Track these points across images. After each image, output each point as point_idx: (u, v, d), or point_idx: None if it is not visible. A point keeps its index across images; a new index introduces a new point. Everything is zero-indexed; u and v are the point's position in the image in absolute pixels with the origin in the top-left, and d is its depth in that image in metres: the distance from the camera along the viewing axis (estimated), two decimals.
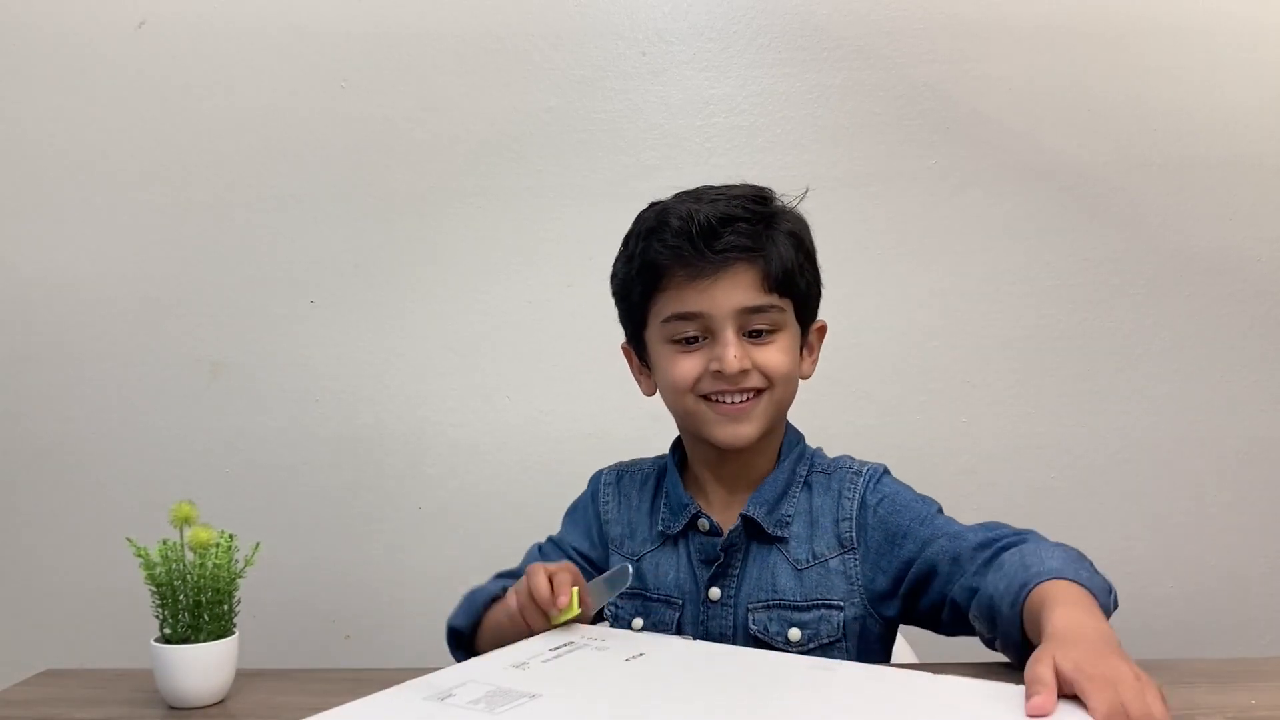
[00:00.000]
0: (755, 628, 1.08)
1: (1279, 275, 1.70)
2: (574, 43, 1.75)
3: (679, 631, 1.12)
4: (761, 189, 1.11)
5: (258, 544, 1.03)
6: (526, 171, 1.75)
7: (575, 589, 1.00)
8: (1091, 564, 0.99)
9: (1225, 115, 1.69)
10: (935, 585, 1.05)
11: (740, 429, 1.08)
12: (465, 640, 1.13)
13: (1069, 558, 0.97)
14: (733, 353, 1.04)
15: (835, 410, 1.71)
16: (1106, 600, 0.95)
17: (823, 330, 1.17)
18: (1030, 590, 0.92)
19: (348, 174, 1.78)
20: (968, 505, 1.69)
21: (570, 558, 1.19)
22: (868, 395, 1.73)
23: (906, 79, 1.72)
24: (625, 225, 1.13)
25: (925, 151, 1.72)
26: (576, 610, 0.99)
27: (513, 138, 1.76)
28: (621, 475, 1.22)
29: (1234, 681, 0.96)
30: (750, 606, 1.09)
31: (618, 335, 1.18)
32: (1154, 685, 0.76)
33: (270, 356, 1.79)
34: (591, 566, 1.19)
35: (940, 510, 1.12)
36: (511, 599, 1.02)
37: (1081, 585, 0.92)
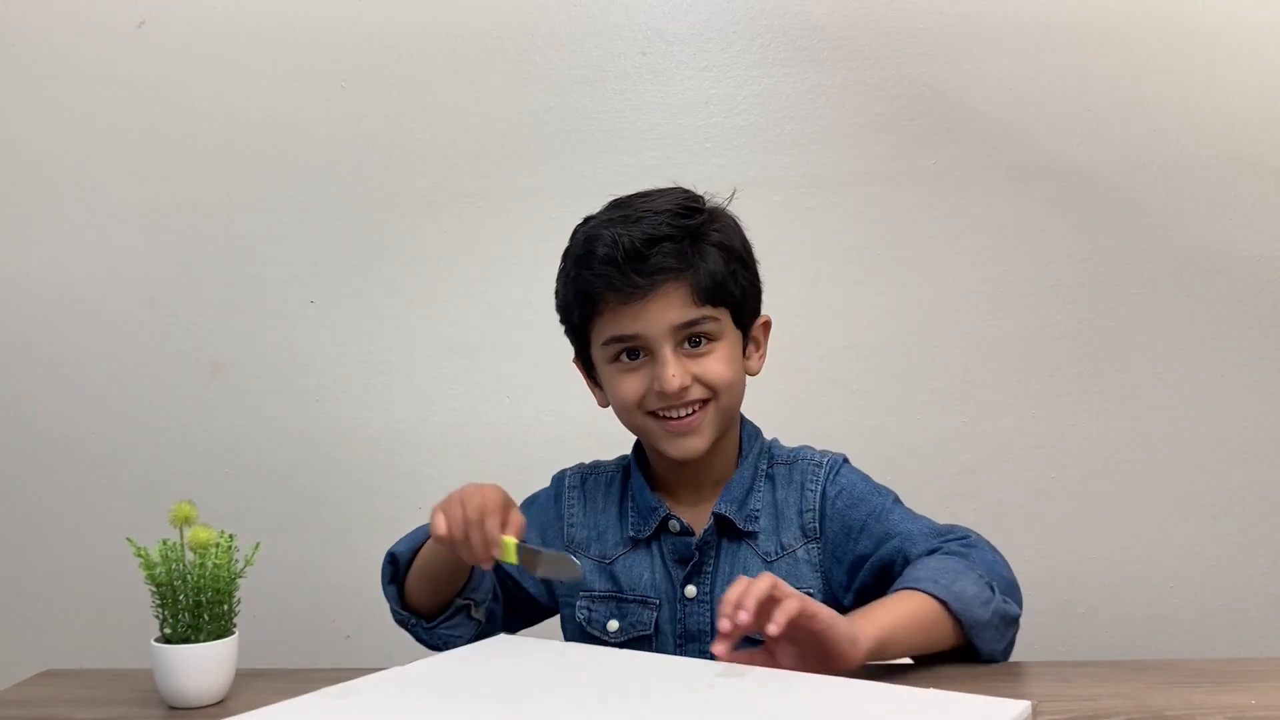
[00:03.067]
0: None
1: (1279, 275, 1.69)
2: (574, 43, 1.75)
3: (656, 631, 1.14)
4: (687, 198, 1.13)
5: (258, 544, 1.03)
6: (526, 171, 1.75)
7: (512, 541, 1.00)
8: (991, 579, 1.02)
9: (1226, 115, 1.69)
10: (889, 579, 1.08)
11: (690, 442, 1.10)
12: (399, 573, 1.14)
13: (946, 570, 1.01)
14: (670, 371, 1.07)
15: (835, 410, 1.72)
16: (970, 609, 0.98)
17: (767, 325, 1.19)
18: (895, 593, 1.00)
19: (348, 174, 1.78)
20: (968, 505, 1.70)
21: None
22: (868, 395, 1.73)
23: (906, 79, 1.72)
24: None
25: (925, 151, 1.72)
26: (514, 559, 1.00)
27: (513, 138, 1.76)
28: (585, 478, 1.23)
29: (1234, 681, 0.96)
30: None
31: None
32: (774, 586, 0.88)
33: (270, 356, 1.79)
34: None
35: (896, 500, 1.15)
36: (439, 522, 1.01)
37: (930, 595, 0.97)
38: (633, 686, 0.88)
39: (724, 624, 0.88)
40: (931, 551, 1.07)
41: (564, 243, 1.73)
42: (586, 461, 1.26)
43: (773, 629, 0.87)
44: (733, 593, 0.89)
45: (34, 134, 1.81)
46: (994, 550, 1.09)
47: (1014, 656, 1.05)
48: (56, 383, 1.82)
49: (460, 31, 1.76)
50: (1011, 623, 1.03)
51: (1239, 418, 1.70)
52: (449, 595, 1.12)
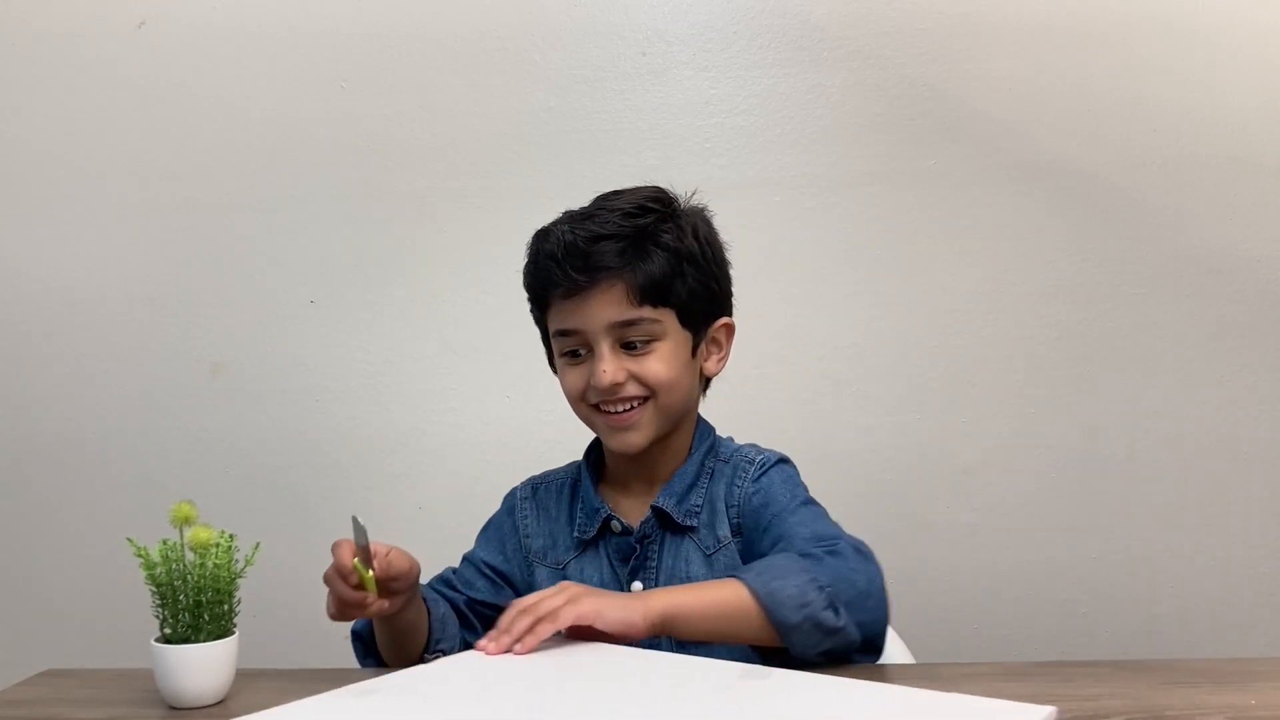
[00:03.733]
0: None
1: (1279, 275, 1.69)
2: (574, 43, 1.75)
3: None
4: (651, 198, 1.14)
5: (258, 544, 1.03)
6: (526, 171, 1.75)
7: (354, 559, 1.02)
8: (827, 586, 1.00)
9: (1225, 115, 1.69)
10: None
11: (628, 437, 1.12)
12: (370, 647, 1.16)
13: (783, 569, 1.00)
14: (603, 367, 1.10)
15: (835, 410, 1.71)
16: (779, 609, 0.97)
17: (729, 327, 1.19)
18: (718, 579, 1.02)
19: (348, 174, 1.78)
20: (968, 505, 1.70)
21: (480, 570, 1.23)
22: (868, 395, 1.73)
23: (906, 79, 1.72)
24: None
25: (925, 151, 1.72)
26: (368, 573, 1.02)
27: (513, 138, 1.76)
28: (537, 488, 1.26)
29: (1234, 681, 0.96)
30: None
31: None
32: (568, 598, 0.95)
33: (270, 356, 1.79)
34: (503, 580, 1.22)
35: (808, 504, 1.13)
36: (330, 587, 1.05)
37: (745, 585, 0.98)
38: (659, 687, 0.87)
39: (490, 647, 0.95)
40: (804, 555, 1.05)
41: None
42: (536, 473, 1.28)
43: (520, 649, 0.94)
44: (504, 621, 0.96)
45: (34, 134, 1.81)
46: (864, 562, 1.04)
47: (1015, 656, 1.05)
48: (56, 383, 1.82)
49: (460, 31, 1.76)
50: (830, 633, 0.99)
51: (1239, 418, 1.70)
52: (419, 650, 1.13)
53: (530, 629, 0.94)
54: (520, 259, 1.80)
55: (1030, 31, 1.70)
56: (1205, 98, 1.69)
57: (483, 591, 1.21)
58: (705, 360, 1.17)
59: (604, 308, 1.09)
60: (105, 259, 1.81)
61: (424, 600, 1.12)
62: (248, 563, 1.02)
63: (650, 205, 1.13)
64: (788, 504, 1.12)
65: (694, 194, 1.17)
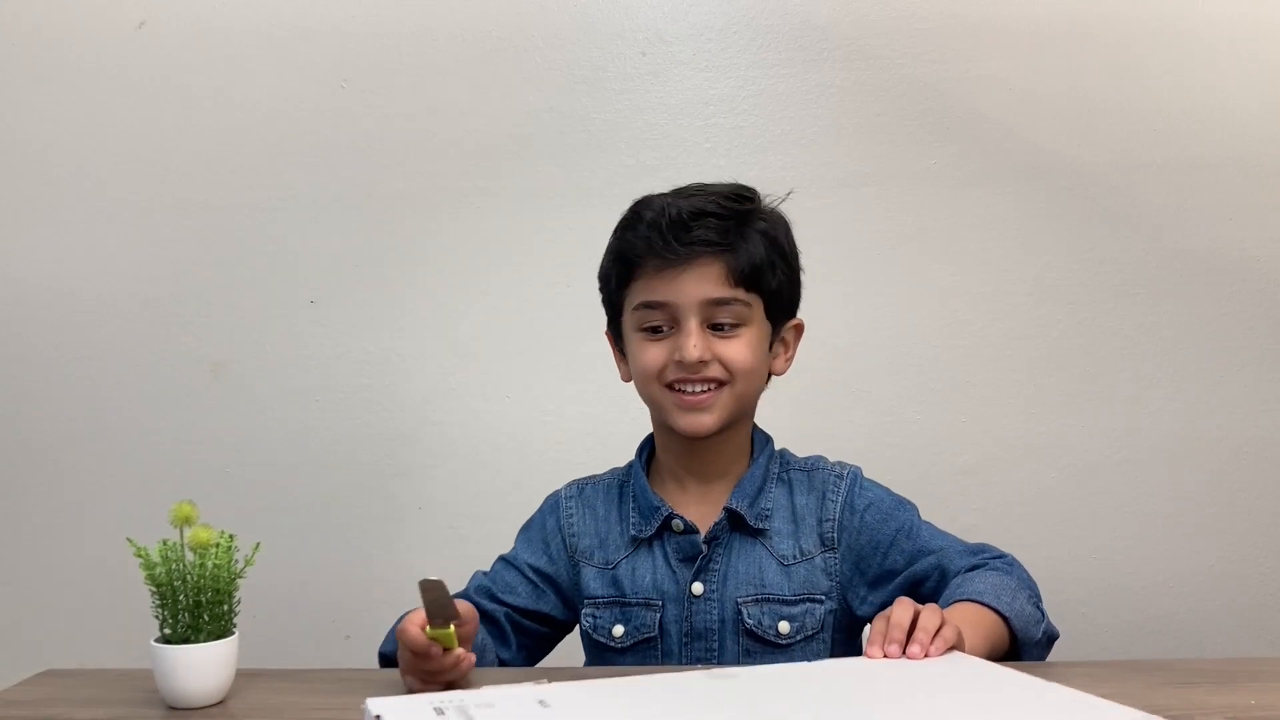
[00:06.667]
0: (750, 621, 1.11)
1: (1279, 275, 1.69)
2: (574, 43, 1.75)
3: (661, 632, 1.13)
4: (745, 189, 1.15)
5: (258, 544, 1.03)
6: (526, 171, 1.75)
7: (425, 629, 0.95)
8: (1036, 600, 1.06)
9: (1225, 116, 1.69)
10: (920, 594, 1.09)
11: (700, 419, 1.11)
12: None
13: (1004, 587, 1.02)
14: (693, 342, 1.08)
15: (835, 410, 1.72)
16: (1027, 628, 1.01)
17: (799, 329, 1.19)
18: (951, 604, 1.01)
19: (348, 174, 1.78)
20: (968, 505, 1.70)
21: (522, 573, 1.20)
22: (868, 395, 1.73)
23: (906, 79, 1.72)
24: None
25: (925, 151, 1.72)
26: (447, 631, 0.93)
27: (513, 138, 1.76)
28: (583, 488, 1.24)
29: (1234, 681, 0.96)
30: (740, 600, 1.12)
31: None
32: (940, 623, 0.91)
33: (270, 356, 1.79)
34: (546, 582, 1.20)
35: (917, 512, 1.17)
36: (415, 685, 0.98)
37: (992, 608, 0.99)
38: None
39: (893, 650, 0.89)
40: (974, 567, 1.08)
41: (564, 243, 1.75)
42: (580, 477, 1.27)
43: (933, 653, 0.89)
44: (900, 622, 0.91)
45: (34, 134, 1.81)
46: (1026, 571, 1.11)
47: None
48: (56, 383, 1.82)
49: (460, 31, 1.76)
50: (1053, 641, 1.06)
51: (1239, 418, 1.70)
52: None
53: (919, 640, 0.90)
54: (520, 258, 1.81)
55: (1030, 32, 1.70)
56: (1205, 98, 1.69)
57: (524, 597, 1.19)
58: (774, 358, 1.17)
59: (700, 283, 1.08)
60: (105, 259, 1.81)
61: None
62: (248, 563, 1.02)
63: (746, 194, 1.14)
64: (910, 518, 1.15)
65: (788, 195, 1.18)
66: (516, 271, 1.77)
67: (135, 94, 1.80)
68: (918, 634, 0.89)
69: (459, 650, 0.95)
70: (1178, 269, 1.70)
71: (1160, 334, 1.71)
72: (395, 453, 1.79)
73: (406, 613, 0.98)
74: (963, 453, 1.72)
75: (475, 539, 1.77)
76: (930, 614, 0.91)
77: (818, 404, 1.72)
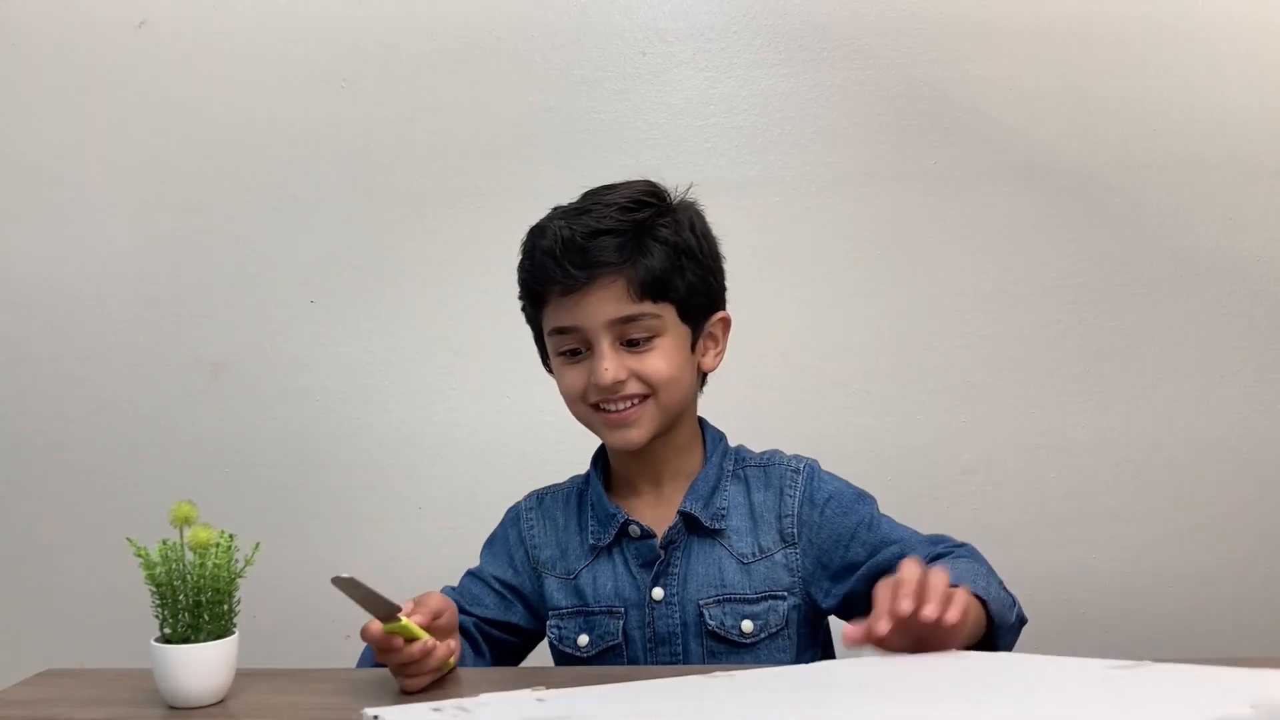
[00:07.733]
0: (712, 623, 1.11)
1: (1279, 275, 1.69)
2: (574, 43, 1.75)
3: (626, 639, 1.13)
4: (645, 192, 1.13)
5: (258, 544, 1.03)
6: (526, 171, 1.75)
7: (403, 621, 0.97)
8: (1000, 582, 1.05)
9: (1225, 116, 1.69)
10: None
11: (628, 434, 1.11)
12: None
13: (977, 573, 1.02)
14: (604, 365, 1.08)
15: (835, 410, 1.71)
16: (1003, 611, 1.00)
17: (726, 322, 1.18)
18: None
19: (348, 174, 1.78)
20: (968, 505, 1.70)
21: (489, 586, 1.20)
22: (868, 395, 1.73)
23: (906, 79, 1.72)
24: None
25: (925, 151, 1.72)
26: (403, 623, 0.96)
27: (513, 138, 1.76)
28: (542, 499, 1.24)
29: None
30: (702, 602, 1.11)
31: None
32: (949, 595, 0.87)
33: (270, 356, 1.79)
34: (513, 593, 1.20)
35: (877, 504, 1.16)
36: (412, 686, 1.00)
37: (973, 594, 0.96)
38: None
39: (906, 604, 0.84)
40: (937, 556, 1.07)
41: None
42: (540, 485, 1.27)
43: (950, 616, 0.85)
44: (911, 578, 0.86)
45: (34, 134, 1.81)
46: (986, 560, 1.10)
47: None
48: (56, 383, 1.82)
49: (460, 31, 1.76)
50: (1022, 626, 1.05)
51: (1239, 418, 1.70)
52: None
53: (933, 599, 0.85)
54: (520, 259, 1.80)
55: (1030, 32, 1.70)
56: (1205, 98, 1.69)
57: (492, 609, 1.20)
58: (703, 355, 1.16)
59: (604, 304, 1.08)
60: (105, 259, 1.81)
61: None
62: (248, 563, 1.02)
63: (645, 199, 1.12)
64: (869, 510, 1.14)
65: (689, 188, 1.16)
66: (516, 271, 1.76)
67: (135, 94, 1.80)
68: (929, 594, 0.85)
69: (427, 639, 0.97)
70: (1178, 269, 1.70)
71: (1160, 334, 1.70)
72: (395, 453, 1.79)
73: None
74: (963, 453, 1.72)
75: (475, 539, 1.76)
76: (939, 574, 0.88)
77: (818, 404, 1.72)
